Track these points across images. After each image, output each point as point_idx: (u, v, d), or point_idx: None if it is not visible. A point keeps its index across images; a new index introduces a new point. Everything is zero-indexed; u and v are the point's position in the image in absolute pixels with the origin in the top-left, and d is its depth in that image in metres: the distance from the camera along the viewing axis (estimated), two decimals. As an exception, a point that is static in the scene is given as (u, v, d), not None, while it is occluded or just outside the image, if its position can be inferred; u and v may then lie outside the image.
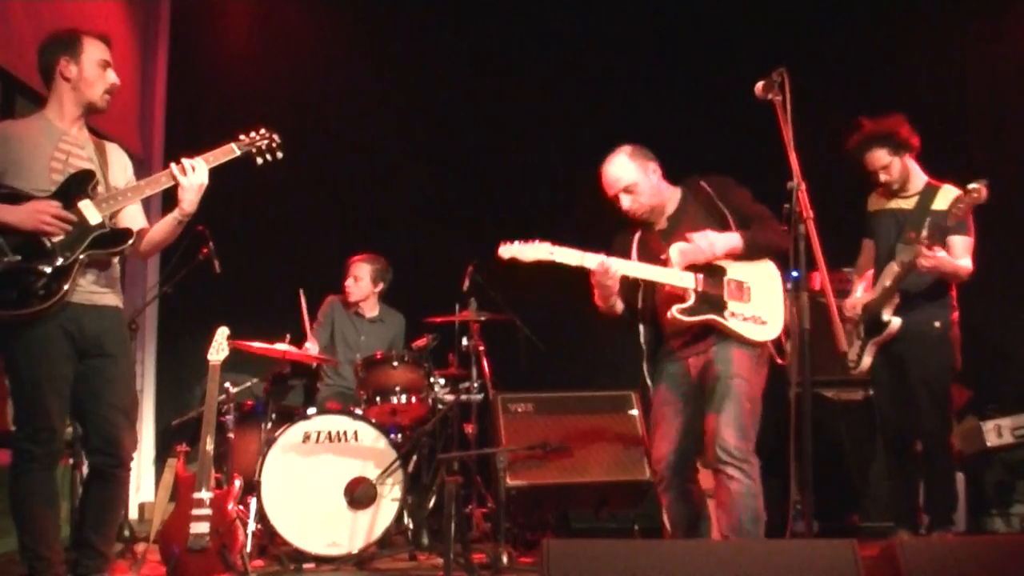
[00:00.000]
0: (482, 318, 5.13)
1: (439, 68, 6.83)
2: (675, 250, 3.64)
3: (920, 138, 4.62)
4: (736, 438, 3.48)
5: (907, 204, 4.63)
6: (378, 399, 4.97)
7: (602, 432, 4.92)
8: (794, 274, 3.40)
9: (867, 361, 4.64)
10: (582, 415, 4.98)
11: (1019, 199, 5.60)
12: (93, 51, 3.48)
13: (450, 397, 5.09)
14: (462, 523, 4.53)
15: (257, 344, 4.95)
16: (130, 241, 3.47)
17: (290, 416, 4.88)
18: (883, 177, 4.63)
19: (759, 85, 3.39)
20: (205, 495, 4.14)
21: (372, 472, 4.72)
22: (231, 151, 3.60)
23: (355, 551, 4.61)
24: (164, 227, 3.57)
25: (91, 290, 3.42)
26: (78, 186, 3.39)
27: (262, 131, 3.71)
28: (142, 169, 3.91)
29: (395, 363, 5.02)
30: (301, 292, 5.61)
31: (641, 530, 5.11)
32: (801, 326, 3.27)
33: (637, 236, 3.82)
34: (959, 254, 4.44)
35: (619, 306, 3.78)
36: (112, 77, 3.52)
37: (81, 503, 3.57)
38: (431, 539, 4.81)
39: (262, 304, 5.99)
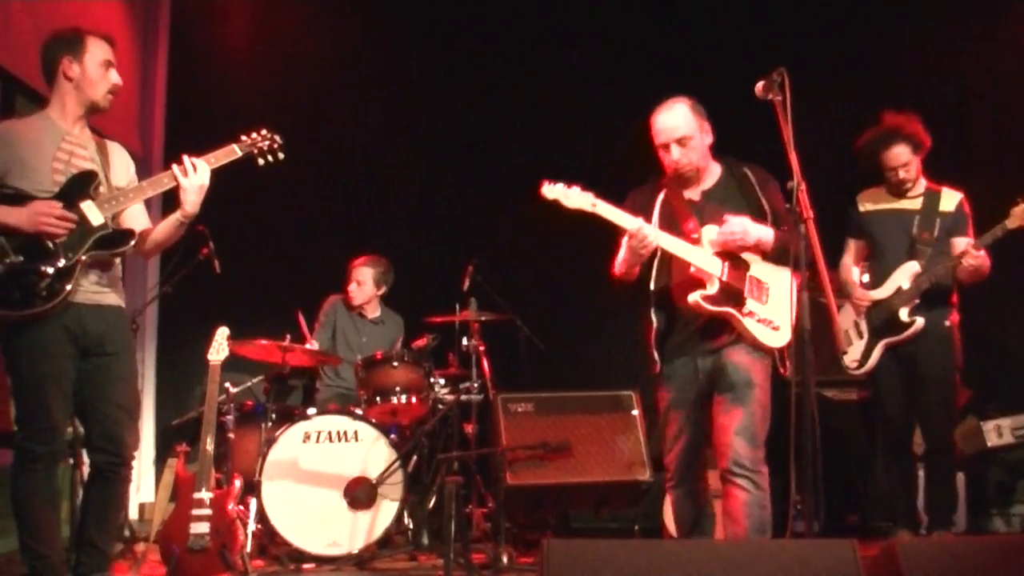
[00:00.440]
0: (482, 318, 5.12)
1: (439, 68, 6.85)
2: (711, 230, 3.51)
3: (923, 139, 4.65)
4: (749, 449, 3.46)
5: (912, 205, 4.62)
6: (378, 399, 4.97)
7: (602, 432, 4.92)
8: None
9: (874, 360, 4.61)
10: (582, 415, 4.97)
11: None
12: (96, 51, 3.48)
13: (450, 397, 5.09)
14: (462, 523, 4.52)
15: (262, 341, 4.95)
16: (132, 242, 3.47)
17: (290, 416, 4.88)
18: (901, 175, 4.58)
19: (759, 85, 3.38)
20: (205, 495, 4.14)
21: (372, 472, 4.72)
22: (233, 152, 3.60)
23: (355, 551, 4.61)
24: (166, 228, 3.57)
25: (93, 290, 3.42)
26: (80, 187, 3.39)
27: (263, 132, 3.71)
28: (142, 169, 3.91)
29: (395, 363, 5.02)
30: (300, 313, 5.61)
31: (641, 530, 5.12)
32: (801, 326, 3.27)
33: (661, 197, 3.64)
34: None
35: (636, 271, 3.63)
36: (115, 77, 3.52)
37: (83, 502, 3.58)
38: (431, 539, 4.82)
39: (262, 304, 5.99)
